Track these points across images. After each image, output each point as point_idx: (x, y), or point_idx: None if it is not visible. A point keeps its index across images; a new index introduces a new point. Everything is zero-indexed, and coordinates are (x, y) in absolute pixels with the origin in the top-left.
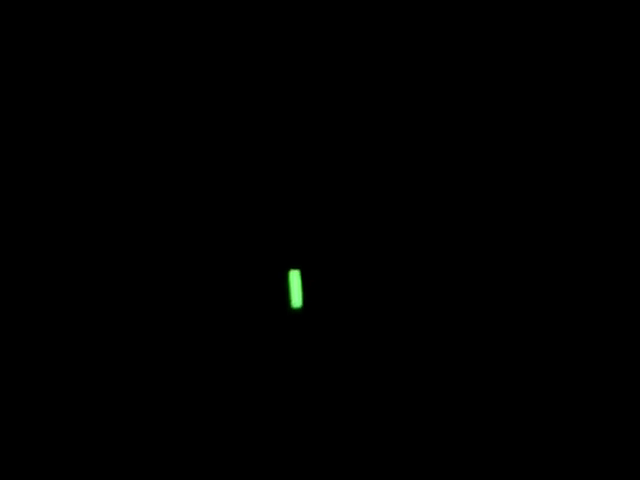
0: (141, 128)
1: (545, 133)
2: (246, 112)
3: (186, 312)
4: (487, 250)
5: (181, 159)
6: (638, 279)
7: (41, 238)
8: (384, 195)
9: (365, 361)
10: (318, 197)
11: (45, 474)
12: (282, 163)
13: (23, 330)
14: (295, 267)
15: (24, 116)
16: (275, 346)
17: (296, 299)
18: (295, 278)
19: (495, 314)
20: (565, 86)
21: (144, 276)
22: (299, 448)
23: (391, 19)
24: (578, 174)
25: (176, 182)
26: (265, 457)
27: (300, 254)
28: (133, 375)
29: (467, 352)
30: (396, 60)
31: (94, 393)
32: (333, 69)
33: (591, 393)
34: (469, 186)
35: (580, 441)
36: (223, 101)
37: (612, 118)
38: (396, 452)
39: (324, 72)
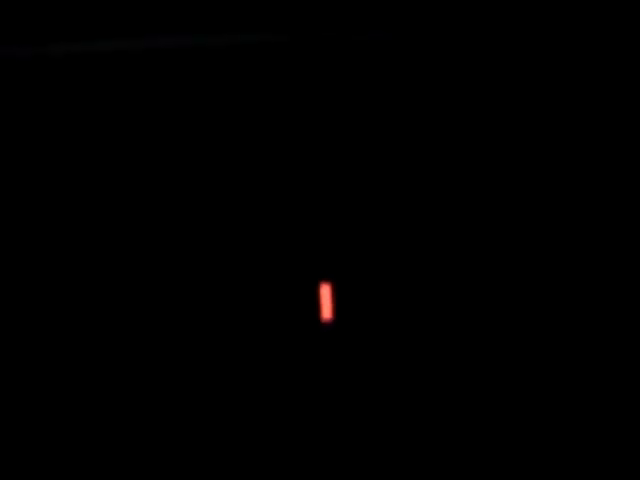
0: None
1: (545, 133)
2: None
3: (214, 324)
4: (530, 270)
5: (211, 166)
6: (638, 279)
7: (53, 240)
8: (419, 209)
9: (395, 376)
10: (351, 209)
11: (45, 474)
12: (315, 176)
13: (23, 329)
14: (326, 279)
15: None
16: (304, 359)
17: (326, 311)
18: (326, 291)
19: (533, 332)
20: (565, 89)
21: (168, 284)
22: (323, 462)
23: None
24: (578, 174)
25: (207, 190)
26: (289, 469)
27: (331, 266)
28: (154, 387)
29: (509, 363)
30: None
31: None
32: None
33: (591, 393)
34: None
35: (580, 441)
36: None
37: (612, 119)
38: (426, 467)
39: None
